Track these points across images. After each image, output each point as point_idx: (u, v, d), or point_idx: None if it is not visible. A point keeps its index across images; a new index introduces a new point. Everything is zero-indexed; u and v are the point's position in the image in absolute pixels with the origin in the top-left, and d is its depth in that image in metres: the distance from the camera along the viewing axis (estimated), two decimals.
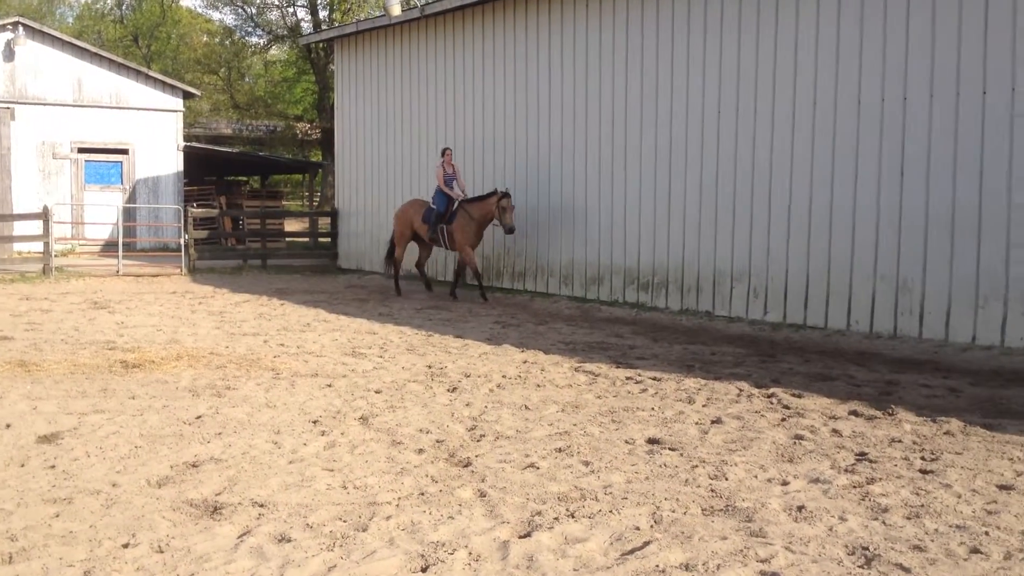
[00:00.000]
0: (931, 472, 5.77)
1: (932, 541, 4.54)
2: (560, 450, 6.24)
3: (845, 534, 4.63)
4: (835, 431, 6.85)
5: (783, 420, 7.21)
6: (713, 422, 7.11)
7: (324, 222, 26.03)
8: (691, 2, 13.63)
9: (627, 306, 14.53)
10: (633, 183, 14.64)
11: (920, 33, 10.95)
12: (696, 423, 7.08)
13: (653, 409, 7.55)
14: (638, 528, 4.70)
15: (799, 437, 6.65)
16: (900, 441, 6.57)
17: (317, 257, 23.18)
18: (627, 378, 8.91)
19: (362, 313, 13.88)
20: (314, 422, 7.00)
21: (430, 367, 9.36)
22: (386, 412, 7.37)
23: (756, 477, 5.65)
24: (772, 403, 7.85)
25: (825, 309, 12.01)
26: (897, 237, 11.24)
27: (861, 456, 6.16)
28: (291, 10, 46.37)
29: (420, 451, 6.21)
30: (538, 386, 8.50)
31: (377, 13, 33.47)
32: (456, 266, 16.47)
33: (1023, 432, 6.83)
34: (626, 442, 6.49)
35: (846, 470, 5.82)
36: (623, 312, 14.13)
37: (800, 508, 5.03)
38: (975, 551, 4.42)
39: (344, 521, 4.84)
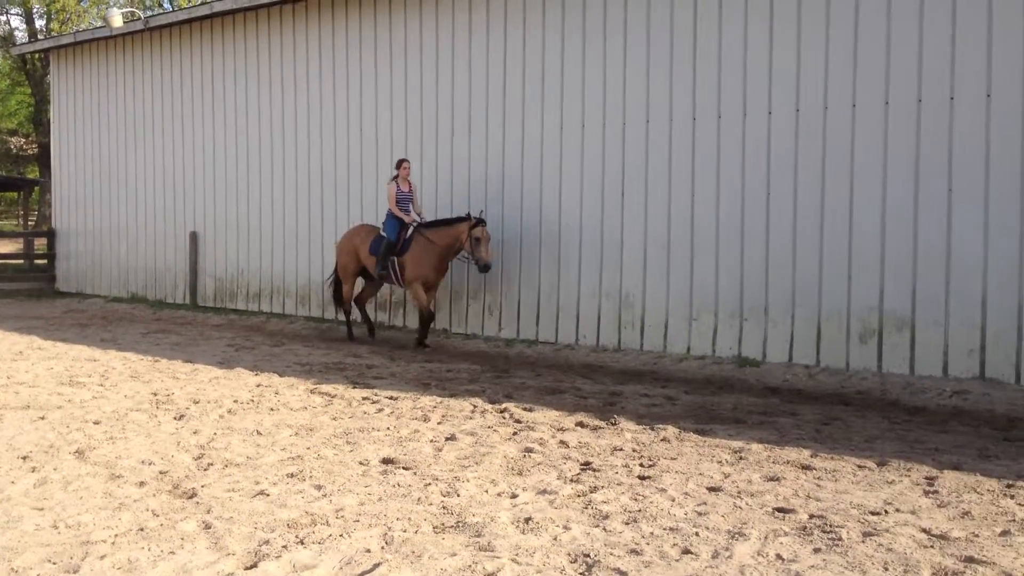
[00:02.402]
0: (648, 478, 6.09)
1: (648, 544, 4.79)
2: (292, 475, 6.12)
3: (568, 542, 4.80)
4: (563, 442, 7.11)
5: (515, 434, 7.40)
6: (447, 439, 7.19)
7: (41, 243, 24.31)
8: (404, 26, 13.81)
9: (365, 326, 14.45)
10: (370, 204, 14.61)
11: (635, 65, 11.63)
12: (431, 441, 7.14)
13: (389, 429, 7.55)
14: (369, 551, 4.68)
15: (529, 450, 6.85)
16: (621, 449, 6.90)
17: (33, 280, 21.59)
18: (363, 398, 8.86)
19: (82, 339, 13.06)
20: (23, 458, 6.50)
21: (155, 394, 8.94)
22: (105, 444, 6.95)
23: (487, 492, 5.76)
24: (505, 418, 8.04)
25: (556, 325, 12.45)
26: (619, 255, 11.83)
27: (586, 465, 6.41)
28: (3, 19, 43.11)
29: (141, 484, 5.90)
30: (271, 410, 8.30)
31: (98, 24, 31.72)
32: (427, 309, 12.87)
33: (731, 436, 7.35)
34: (360, 463, 6.45)
35: (572, 480, 6.04)
36: (361, 332, 14.05)
37: (528, 520, 5.17)
38: (686, 551, 4.70)
39: (53, 563, 4.52)
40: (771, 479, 6.09)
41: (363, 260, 13.26)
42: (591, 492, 5.74)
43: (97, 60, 19.46)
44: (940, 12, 9.44)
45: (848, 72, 10.03)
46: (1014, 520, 5.23)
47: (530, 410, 8.32)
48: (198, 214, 17.45)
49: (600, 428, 7.64)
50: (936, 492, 5.80)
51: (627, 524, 5.12)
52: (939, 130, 9.46)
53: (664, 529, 5.03)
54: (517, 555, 4.61)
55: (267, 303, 16.23)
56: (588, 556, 4.59)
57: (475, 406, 8.50)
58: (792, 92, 10.42)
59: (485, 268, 12.04)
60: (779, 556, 4.62)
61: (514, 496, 5.67)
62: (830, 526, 5.08)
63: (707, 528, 5.06)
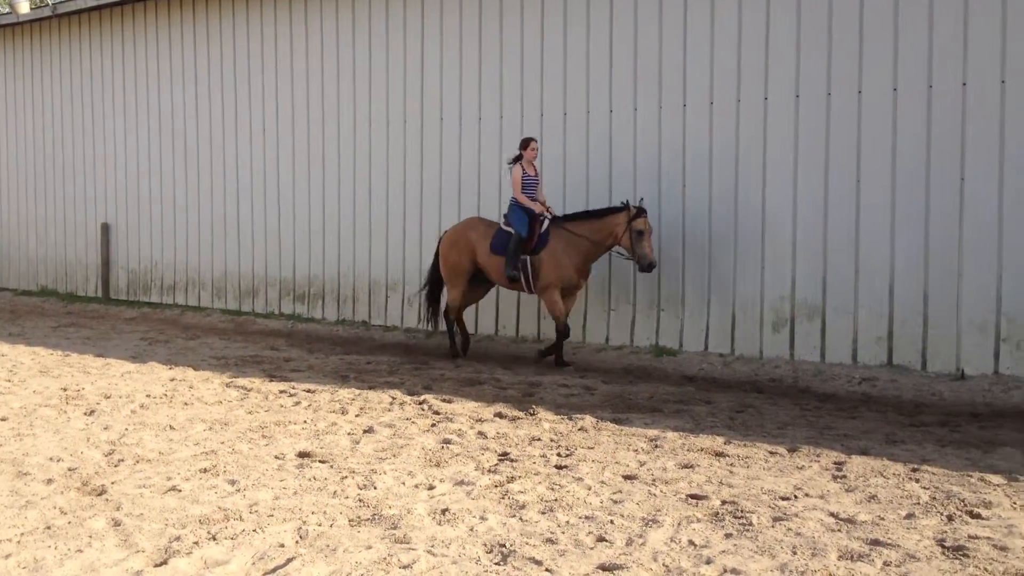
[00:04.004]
0: (565, 467, 6.14)
1: (563, 533, 4.82)
2: (205, 470, 6.02)
3: (484, 533, 4.81)
4: (481, 433, 7.12)
5: (433, 426, 7.39)
6: (365, 431, 7.15)
7: None
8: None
9: (283, 318, 14.30)
10: (287, 193, 14.45)
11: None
12: (348, 433, 7.09)
13: (306, 422, 7.48)
14: (283, 545, 4.63)
15: (447, 441, 6.84)
16: (539, 439, 6.93)
17: None
18: (280, 391, 8.76)
19: None
20: None
21: (65, 389, 8.72)
22: (12, 441, 6.77)
23: (404, 484, 5.74)
24: (423, 409, 8.02)
25: (475, 316, 12.45)
26: None
27: (503, 456, 6.43)
28: None
29: (49, 481, 5.76)
30: (185, 404, 8.16)
31: (4, 10, 30.74)
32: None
33: (647, 425, 7.44)
34: (276, 457, 6.38)
35: (489, 471, 6.05)
36: (279, 324, 13.90)
37: (444, 511, 5.17)
38: (601, 539, 4.74)
39: None
40: (685, 466, 6.18)
41: (481, 261, 10.96)
42: (508, 482, 5.76)
43: (2, 48, 18.86)
44: (848, 4, 9.66)
45: (760, 67, 10.19)
46: (918, 503, 5.38)
47: (449, 401, 8.31)
48: (110, 205, 17.05)
49: (519, 419, 7.67)
50: (844, 477, 5.94)
51: (543, 513, 5.15)
52: (847, 122, 9.67)
53: (580, 518, 5.07)
54: (433, 547, 4.60)
55: (182, 296, 15.94)
56: (504, 546, 4.61)
57: (394, 398, 8.46)
58: (706, 86, 10.55)
59: (650, 267, 10.01)
60: (691, 542, 4.69)
61: (431, 488, 5.66)
62: (741, 511, 5.17)
63: (622, 516, 5.11)
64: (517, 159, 10.70)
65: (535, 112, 11.87)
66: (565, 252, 10.40)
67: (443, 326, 11.57)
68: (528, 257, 10.51)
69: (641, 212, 10.06)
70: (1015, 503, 5.37)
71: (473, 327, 12.43)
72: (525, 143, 10.70)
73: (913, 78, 9.31)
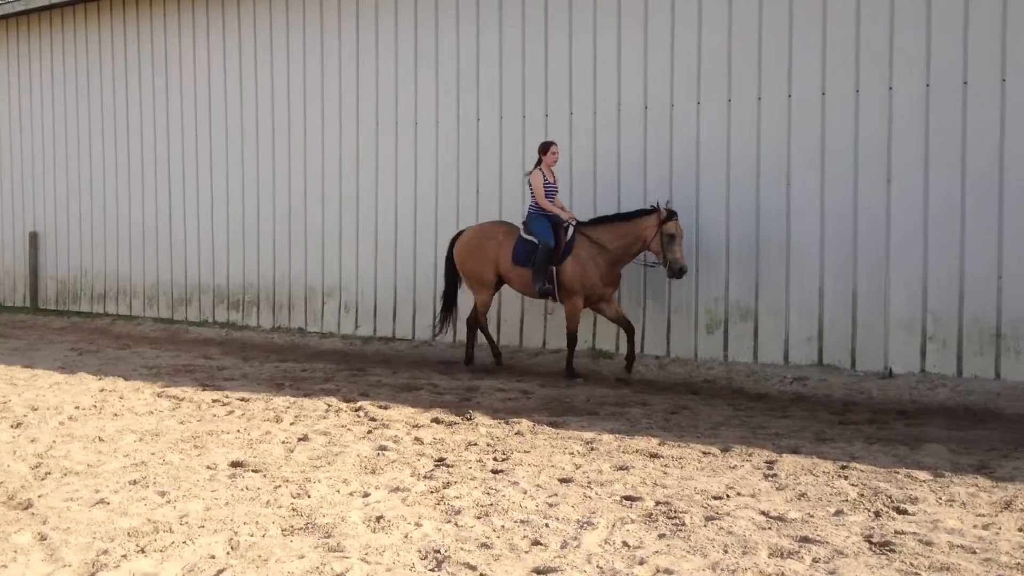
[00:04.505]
0: (502, 472, 6.14)
1: (498, 537, 4.82)
2: (135, 482, 5.92)
3: (419, 539, 4.80)
4: (417, 439, 7.09)
5: (369, 432, 7.35)
6: (300, 440, 7.08)
7: None
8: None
9: (217, 326, 14.12)
10: (220, 199, 14.27)
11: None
12: (283, 442, 7.02)
13: (239, 431, 7.39)
14: (213, 557, 4.57)
15: (383, 448, 6.81)
16: (476, 444, 6.93)
17: None
18: (213, 400, 8.65)
19: None
20: None
21: None
22: None
23: (339, 492, 5.70)
24: (359, 416, 7.97)
25: (413, 322, 12.42)
26: None
27: (440, 462, 6.42)
28: None
29: None
30: (115, 415, 8.01)
31: None
32: (623, 325, 10.13)
33: (583, 428, 7.47)
34: (208, 468, 6.29)
35: (425, 476, 6.03)
36: (213, 332, 13.72)
37: (379, 518, 5.14)
38: (536, 543, 4.75)
39: None
40: (620, 468, 6.22)
41: (503, 271, 10.39)
42: (444, 488, 5.75)
43: None
44: (778, 9, 9.81)
45: (693, 71, 10.30)
46: (847, 500, 5.48)
47: (385, 408, 8.27)
48: (38, 214, 16.70)
49: (455, 424, 7.65)
50: (775, 475, 6.03)
51: (479, 518, 5.14)
52: (778, 125, 9.82)
53: (515, 522, 5.08)
54: (367, 554, 4.58)
55: (113, 305, 15.66)
56: (439, 552, 4.60)
57: (329, 405, 8.40)
58: (640, 90, 10.64)
59: (681, 272, 9.43)
60: (625, 543, 4.72)
61: (366, 495, 5.62)
62: (675, 512, 5.22)
63: (557, 519, 5.13)
64: (537, 165, 10.16)
65: (454, 116, 11.88)
66: (591, 259, 9.83)
67: (444, 335, 11.30)
68: (555, 267, 9.96)
69: (672, 215, 9.51)
70: (940, 498, 5.49)
71: (411, 332, 12.40)
72: (545, 147, 10.12)
73: (841, 82, 9.49)
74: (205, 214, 14.43)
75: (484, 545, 4.71)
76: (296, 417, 7.93)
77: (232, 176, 14.12)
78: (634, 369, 9.91)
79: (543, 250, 9.89)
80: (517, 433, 7.30)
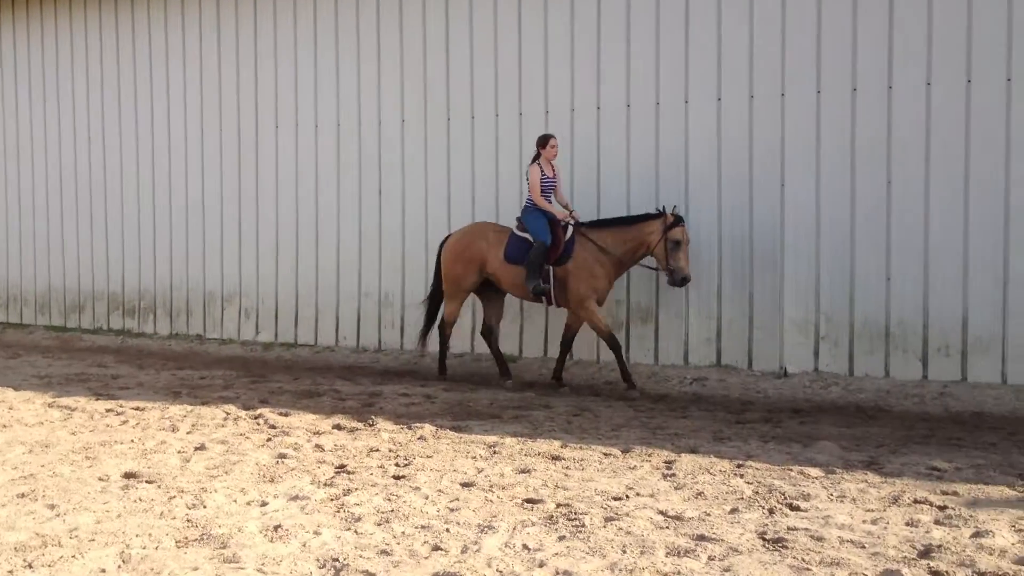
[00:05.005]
0: (404, 477, 6.11)
1: (399, 544, 4.79)
2: (23, 495, 5.71)
3: (318, 547, 4.74)
4: (318, 446, 7.01)
5: (268, 440, 7.23)
6: (197, 449, 6.93)
7: None
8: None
9: (112, 333, 13.76)
10: (114, 204, 13.90)
11: (391, 68, 11.64)
12: (179, 452, 6.86)
13: (133, 441, 7.19)
14: (104, 570, 4.43)
15: (283, 456, 6.71)
16: (378, 450, 6.88)
17: None
18: (107, 410, 8.41)
19: None
20: None
21: None
22: None
23: (236, 501, 5.59)
24: (259, 424, 7.84)
25: (315, 327, 12.28)
26: (378, 255, 11.80)
27: (340, 468, 6.35)
28: None
29: None
30: (3, 427, 7.73)
31: None
32: (565, 332, 9.89)
33: (486, 431, 7.48)
34: (100, 479, 6.11)
35: (325, 484, 5.96)
36: (108, 340, 13.36)
37: (277, 527, 5.06)
38: (437, 548, 4.73)
39: None
40: (522, 471, 6.24)
41: (493, 271, 9.89)
42: (344, 495, 5.69)
43: None
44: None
45: (591, 78, 10.41)
46: (742, 498, 5.59)
47: (286, 415, 8.16)
48: None
49: (357, 430, 7.59)
50: (674, 475, 6.12)
51: (379, 525, 5.10)
52: (675, 131, 9.98)
53: (416, 527, 5.05)
54: (263, 564, 4.50)
55: (3, 312, 15.13)
56: (337, 560, 4.55)
57: (228, 413, 8.25)
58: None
59: (683, 282, 9.10)
60: (525, 546, 4.74)
61: (264, 504, 5.53)
62: (575, 513, 5.26)
63: (458, 524, 5.12)
64: (535, 158, 9.70)
65: (355, 118, 11.81)
66: (597, 262, 9.39)
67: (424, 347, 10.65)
68: (552, 268, 9.49)
69: (679, 220, 9.15)
70: (831, 494, 5.64)
71: (313, 337, 12.25)
72: (544, 140, 9.65)
73: (736, 86, 9.70)
74: (99, 219, 14.04)
75: (384, 552, 4.67)
76: (193, 426, 7.76)
77: (127, 180, 13.77)
78: (632, 380, 9.32)
79: (538, 247, 9.41)
80: (420, 438, 7.27)
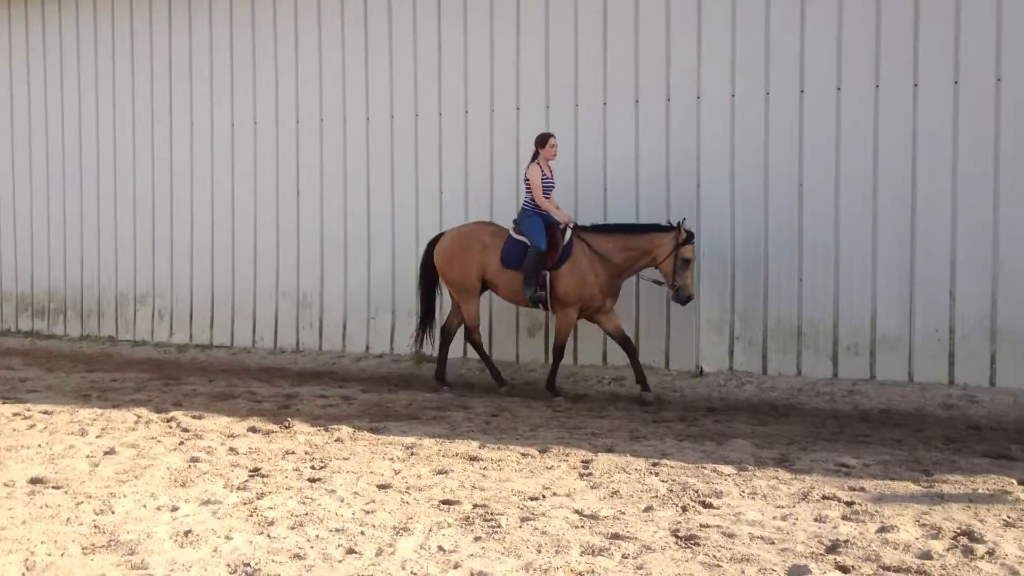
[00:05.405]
0: (319, 480, 6.05)
1: (312, 547, 4.74)
2: None
3: (229, 553, 4.66)
4: (232, 449, 6.90)
5: (181, 444, 7.10)
6: (106, 453, 6.77)
7: None
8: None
9: (21, 335, 13.38)
10: (23, 203, 13.52)
11: (310, 66, 11.52)
12: (87, 456, 6.70)
13: (40, 446, 7.00)
14: None
15: (195, 460, 6.59)
16: (294, 453, 6.80)
17: None
18: (14, 414, 8.18)
19: None
20: None
21: None
22: None
23: (145, 506, 5.48)
24: (171, 427, 7.70)
25: (231, 328, 12.09)
26: (296, 255, 11.67)
27: (255, 472, 6.26)
28: None
29: None
30: None
31: None
32: (621, 341, 9.31)
33: (404, 433, 7.44)
34: (4, 485, 5.93)
35: (239, 488, 5.87)
36: (16, 342, 12.98)
37: (187, 532, 4.96)
38: (351, 551, 4.70)
39: None
40: (440, 472, 6.23)
41: (490, 277, 9.45)
42: (258, 499, 5.61)
43: None
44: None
45: (511, 77, 10.45)
46: (657, 496, 5.65)
47: (199, 418, 8.02)
48: None
49: (273, 432, 7.49)
50: (591, 474, 6.17)
51: (293, 529, 5.04)
52: (595, 133, 10.06)
53: (330, 531, 5.01)
54: (172, 570, 4.42)
55: None
56: (248, 565, 4.48)
57: (139, 417, 8.08)
58: (461, 95, 10.71)
59: (688, 300, 8.88)
60: (441, 547, 4.73)
61: (175, 509, 5.43)
62: (491, 514, 5.26)
63: (373, 526, 5.09)
64: (534, 158, 9.29)
65: (272, 119, 11.68)
66: (591, 268, 9.02)
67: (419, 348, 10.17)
68: (548, 272, 9.12)
69: (691, 237, 8.82)
70: (743, 491, 5.74)
71: (229, 339, 12.07)
72: (543, 139, 9.24)
73: (654, 89, 9.82)
74: (6, 218, 13.64)
75: (297, 556, 4.62)
76: (103, 430, 7.58)
77: (36, 178, 13.41)
78: (649, 385, 8.99)
79: (534, 253, 9.08)
80: (337, 440, 7.21)
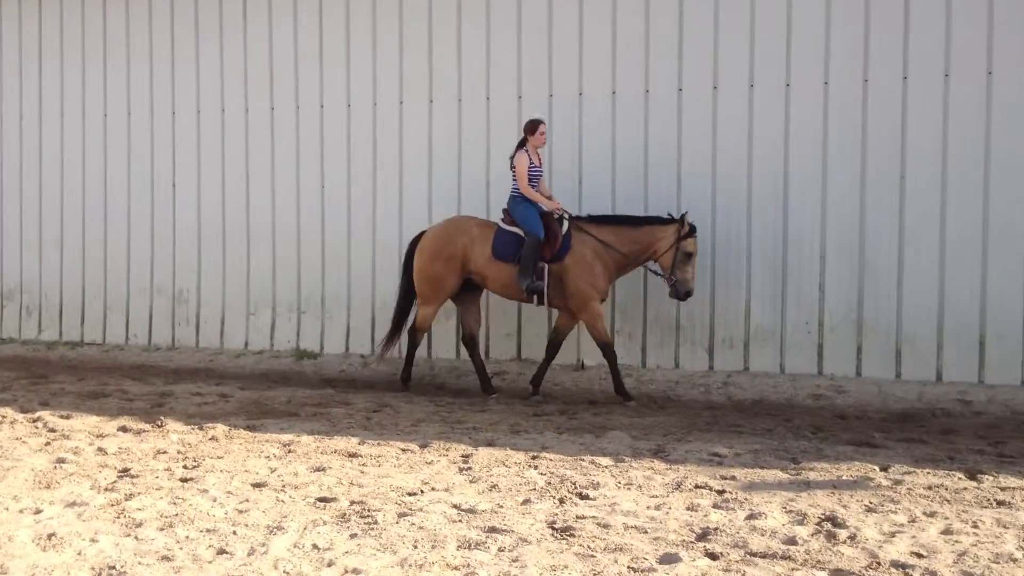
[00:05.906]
0: (191, 480, 5.90)
1: (181, 549, 4.62)
2: None
3: (94, 556, 4.51)
4: (101, 449, 6.69)
5: (47, 444, 6.84)
6: None
7: None
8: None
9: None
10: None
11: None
12: None
13: None
14: None
15: (62, 460, 6.36)
16: (166, 452, 6.62)
17: None
18: None
19: None
20: None
21: None
22: None
23: (7, 509, 5.26)
24: (37, 427, 7.42)
25: (104, 324, 11.71)
26: (172, 249, 11.37)
27: (124, 472, 6.08)
28: None
29: None
30: None
31: None
32: (552, 335, 9.15)
33: (282, 430, 7.33)
34: None
35: (106, 489, 5.69)
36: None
37: (51, 536, 4.79)
38: (222, 552, 4.60)
39: None
40: (317, 470, 6.15)
41: (477, 270, 8.98)
42: (126, 500, 5.44)
43: None
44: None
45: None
46: (535, 489, 5.69)
47: (67, 417, 7.75)
48: None
49: (144, 431, 7.28)
50: (470, 469, 6.17)
51: (162, 530, 4.91)
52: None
53: (201, 531, 4.89)
54: (34, 574, 4.25)
55: None
56: (114, 568, 4.34)
57: (3, 416, 7.77)
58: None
59: (687, 296, 8.65)
60: (315, 546, 4.66)
61: (38, 511, 5.23)
62: (368, 511, 5.21)
63: (246, 525, 4.99)
64: (521, 145, 8.92)
65: (147, 107, 11.36)
66: (598, 259, 8.68)
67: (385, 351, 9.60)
68: (547, 264, 8.71)
69: (693, 231, 8.60)
70: (619, 482, 5.83)
71: (101, 335, 11.68)
72: (532, 126, 8.85)
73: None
74: None
75: (165, 558, 4.50)
76: None
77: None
78: (626, 391, 8.73)
79: (531, 242, 8.62)
80: (211, 438, 7.05)
